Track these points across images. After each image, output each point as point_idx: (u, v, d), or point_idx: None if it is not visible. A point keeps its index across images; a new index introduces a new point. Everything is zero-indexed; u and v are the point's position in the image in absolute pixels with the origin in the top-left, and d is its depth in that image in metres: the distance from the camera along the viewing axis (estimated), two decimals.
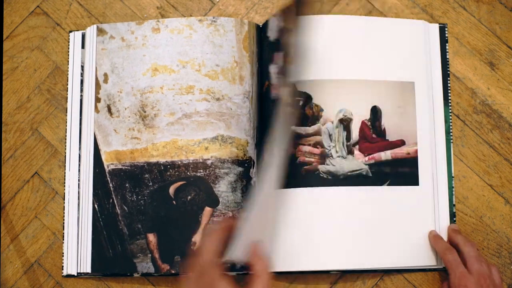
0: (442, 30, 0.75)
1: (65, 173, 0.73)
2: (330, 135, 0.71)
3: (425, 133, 0.71)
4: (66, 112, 0.74)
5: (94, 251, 0.70)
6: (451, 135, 0.73)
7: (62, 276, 0.72)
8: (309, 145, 0.70)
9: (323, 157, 0.70)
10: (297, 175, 0.70)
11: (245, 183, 0.70)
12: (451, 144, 0.73)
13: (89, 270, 0.70)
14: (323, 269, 0.69)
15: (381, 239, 0.69)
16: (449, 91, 0.74)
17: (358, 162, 0.70)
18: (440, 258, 0.69)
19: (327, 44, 0.72)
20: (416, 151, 0.71)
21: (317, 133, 0.70)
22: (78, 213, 0.71)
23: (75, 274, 0.71)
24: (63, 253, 0.72)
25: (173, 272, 0.69)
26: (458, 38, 0.75)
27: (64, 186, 0.73)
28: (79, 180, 0.72)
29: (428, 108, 0.72)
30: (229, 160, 0.70)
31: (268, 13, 0.76)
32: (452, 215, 0.71)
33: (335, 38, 0.72)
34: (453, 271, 0.64)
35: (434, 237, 0.69)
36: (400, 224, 0.70)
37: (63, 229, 0.72)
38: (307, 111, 0.71)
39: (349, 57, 0.72)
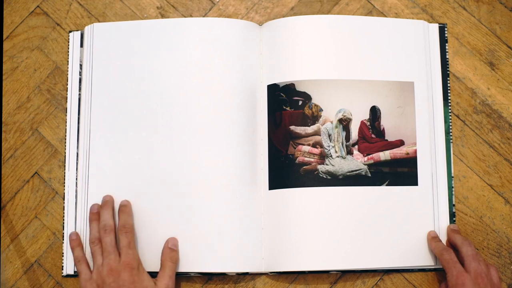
0: (442, 30, 0.75)
1: (65, 173, 0.73)
2: (329, 135, 0.71)
3: (424, 133, 0.71)
4: (66, 112, 0.74)
5: None
6: (451, 135, 0.73)
7: (62, 276, 0.72)
8: (309, 145, 0.70)
9: (323, 157, 0.70)
10: (296, 175, 0.70)
11: None
12: (451, 144, 0.73)
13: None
14: (323, 269, 0.69)
15: (381, 239, 0.69)
16: (449, 91, 0.74)
17: (357, 162, 0.70)
18: (438, 258, 0.69)
19: (326, 44, 0.72)
20: (415, 151, 0.71)
21: (317, 133, 0.70)
22: (76, 212, 0.72)
23: (75, 274, 0.71)
24: (63, 253, 0.72)
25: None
26: (458, 38, 0.75)
27: (64, 186, 0.73)
28: (76, 180, 0.72)
29: (428, 108, 0.72)
30: None
31: (268, 13, 0.76)
32: (452, 215, 0.71)
33: (335, 38, 0.72)
34: (450, 270, 0.64)
35: (432, 238, 0.69)
36: (399, 224, 0.69)
37: (63, 229, 0.72)
38: (306, 111, 0.71)
39: (348, 57, 0.72)
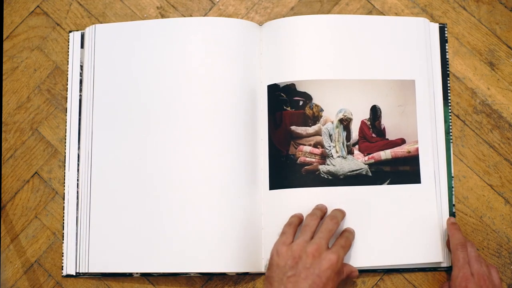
0: (442, 30, 0.75)
1: (65, 173, 0.73)
2: (330, 135, 0.71)
3: (426, 130, 0.71)
4: (66, 112, 0.74)
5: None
6: (451, 135, 0.73)
7: (62, 276, 0.71)
8: (310, 145, 0.70)
9: (324, 157, 0.70)
10: (298, 175, 0.69)
11: None
12: (451, 144, 0.73)
13: (88, 270, 0.70)
14: None
15: (382, 238, 0.69)
16: (449, 91, 0.74)
17: (358, 162, 0.70)
18: (447, 251, 0.69)
19: (327, 44, 0.72)
20: (417, 149, 0.71)
21: (318, 133, 0.70)
22: (77, 213, 0.71)
23: (75, 274, 0.71)
24: (63, 253, 0.72)
25: (173, 272, 0.69)
26: (458, 38, 0.75)
27: (64, 186, 0.73)
28: (78, 180, 0.72)
29: (429, 105, 0.72)
30: None
31: (268, 13, 0.76)
32: (452, 215, 0.71)
33: (335, 38, 0.72)
34: (458, 269, 0.64)
35: (451, 225, 0.68)
36: (401, 223, 0.69)
37: (63, 229, 0.72)
38: (307, 111, 0.71)
39: (349, 57, 0.72)
